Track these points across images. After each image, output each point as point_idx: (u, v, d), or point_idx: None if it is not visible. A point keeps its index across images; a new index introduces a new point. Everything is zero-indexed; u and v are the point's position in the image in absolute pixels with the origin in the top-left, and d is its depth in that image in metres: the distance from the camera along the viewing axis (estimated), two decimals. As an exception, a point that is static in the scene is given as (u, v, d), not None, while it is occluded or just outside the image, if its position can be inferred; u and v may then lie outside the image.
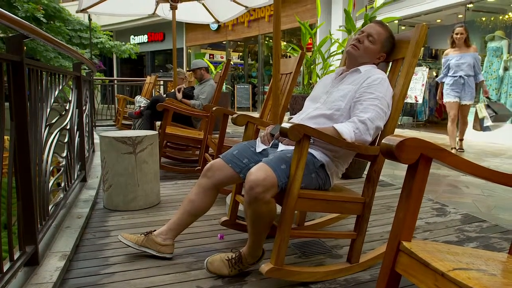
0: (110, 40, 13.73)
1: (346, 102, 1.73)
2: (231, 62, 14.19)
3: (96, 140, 4.65)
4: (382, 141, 1.04)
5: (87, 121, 3.80)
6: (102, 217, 2.50)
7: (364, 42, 1.86)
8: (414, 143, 0.99)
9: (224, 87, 11.40)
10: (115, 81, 11.73)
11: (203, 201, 1.83)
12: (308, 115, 1.79)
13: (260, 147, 1.83)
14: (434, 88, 8.49)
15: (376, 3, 4.10)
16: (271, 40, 13.09)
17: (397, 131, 6.92)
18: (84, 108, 3.37)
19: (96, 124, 7.94)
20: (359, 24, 4.78)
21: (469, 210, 2.80)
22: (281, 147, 1.75)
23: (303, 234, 1.83)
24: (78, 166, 3.01)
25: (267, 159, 1.57)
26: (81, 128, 3.10)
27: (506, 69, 7.03)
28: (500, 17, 8.13)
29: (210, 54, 16.35)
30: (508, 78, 7.01)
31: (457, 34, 5.02)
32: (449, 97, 5.18)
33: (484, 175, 1.16)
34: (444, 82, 5.29)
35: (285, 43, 13.15)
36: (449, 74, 5.16)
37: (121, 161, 2.58)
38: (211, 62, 11.94)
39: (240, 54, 16.16)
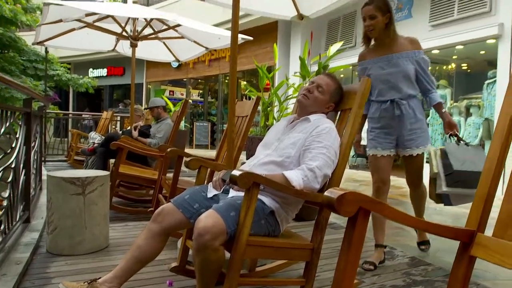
0: (67, 73, 13.46)
1: (296, 149, 1.79)
2: (190, 100, 14.28)
3: (44, 176, 4.45)
4: (325, 193, 1.08)
5: (35, 157, 3.65)
6: (44, 262, 2.36)
7: (314, 92, 1.96)
8: (353, 197, 1.04)
9: (183, 124, 11.39)
10: (70, 115, 11.41)
11: (151, 247, 1.78)
12: (259, 161, 1.83)
13: (211, 192, 1.83)
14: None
15: (329, 52, 4.34)
16: (231, 80, 13.35)
17: (351, 172, 7.02)
18: (33, 144, 3.25)
19: (47, 159, 7.62)
20: (314, 68, 4.98)
21: (416, 253, 2.90)
22: (232, 193, 1.76)
23: (252, 282, 1.82)
24: (22, 207, 2.85)
25: (217, 206, 1.58)
26: (28, 166, 2.97)
27: (450, 115, 7.55)
28: (444, 67, 8.76)
29: (170, 91, 16.38)
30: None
31: (365, 19, 2.54)
32: (371, 145, 2.69)
33: (421, 227, 1.23)
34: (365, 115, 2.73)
35: (245, 82, 13.45)
36: (372, 98, 2.66)
37: (68, 202, 2.48)
38: (171, 99, 11.95)
39: (201, 91, 16.32)
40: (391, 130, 2.62)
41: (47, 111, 7.91)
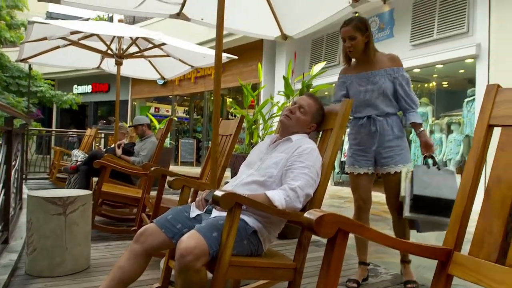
0: (51, 89, 13.33)
1: (278, 169, 1.81)
2: (175, 118, 14.26)
3: (25, 195, 4.37)
4: (304, 214, 1.09)
5: (16, 176, 3.59)
6: (23, 284, 2.31)
7: (296, 113, 1.99)
8: (332, 218, 1.06)
9: (167, 141, 11.33)
10: (53, 132, 11.27)
11: (134, 268, 1.76)
12: (242, 181, 1.84)
13: (194, 212, 1.83)
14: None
15: (312, 71, 4.42)
16: (217, 96, 13.39)
17: (336, 188, 7.01)
18: (13, 163, 3.20)
19: (28, 177, 7.48)
20: (298, 87, 5.05)
21: (399, 270, 2.91)
22: (215, 213, 1.77)
23: (235, 302, 1.81)
24: (0, 227, 2.80)
25: (199, 226, 1.58)
26: (8, 185, 2.93)
27: (432, 132, 7.68)
28: (425, 85, 8.96)
29: (155, 108, 16.33)
30: (433, 141, 7.66)
31: (344, 40, 2.53)
32: (349, 162, 2.67)
33: (400, 247, 1.25)
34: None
35: (230, 99, 13.53)
36: (350, 115, 2.36)
37: (49, 222, 2.44)
38: (156, 116, 11.91)
39: (186, 108, 16.32)
40: (368, 147, 2.56)
41: (29, 128, 7.81)
